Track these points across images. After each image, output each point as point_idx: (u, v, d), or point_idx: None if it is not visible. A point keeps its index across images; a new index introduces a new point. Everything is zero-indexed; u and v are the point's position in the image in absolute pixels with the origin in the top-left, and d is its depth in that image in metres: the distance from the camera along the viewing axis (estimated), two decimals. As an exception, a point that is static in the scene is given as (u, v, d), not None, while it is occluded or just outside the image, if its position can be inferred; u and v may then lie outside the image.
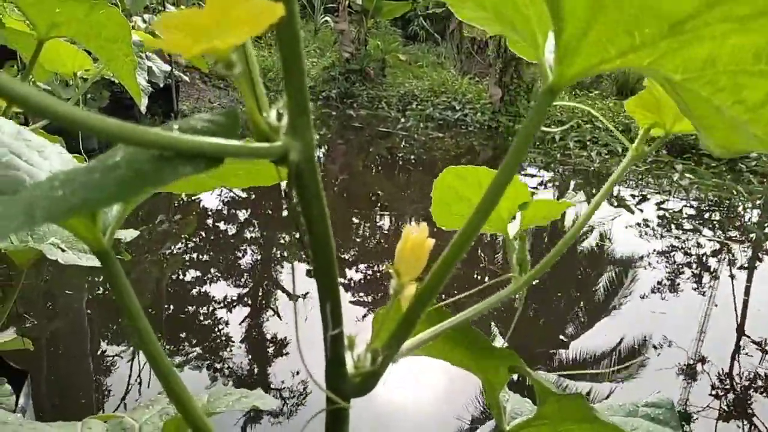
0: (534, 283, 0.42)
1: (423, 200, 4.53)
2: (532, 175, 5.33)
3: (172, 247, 3.35)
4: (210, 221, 3.87)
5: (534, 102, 0.27)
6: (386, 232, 4.01)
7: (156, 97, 5.07)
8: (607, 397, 2.24)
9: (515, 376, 0.46)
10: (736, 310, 2.97)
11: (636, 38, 0.25)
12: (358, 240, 3.80)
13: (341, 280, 2.87)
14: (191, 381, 2.05)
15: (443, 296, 0.36)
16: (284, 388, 2.09)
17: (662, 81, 0.28)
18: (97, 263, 0.83)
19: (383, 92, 8.01)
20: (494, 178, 0.29)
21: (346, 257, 3.44)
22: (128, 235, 0.79)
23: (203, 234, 3.67)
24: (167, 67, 4.04)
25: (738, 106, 0.25)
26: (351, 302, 2.78)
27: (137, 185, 0.19)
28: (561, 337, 2.69)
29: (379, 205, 4.48)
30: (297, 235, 0.27)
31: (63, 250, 0.83)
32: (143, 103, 0.86)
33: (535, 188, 2.96)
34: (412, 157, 5.85)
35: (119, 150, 0.21)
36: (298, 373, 2.15)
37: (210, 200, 4.19)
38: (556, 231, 3.60)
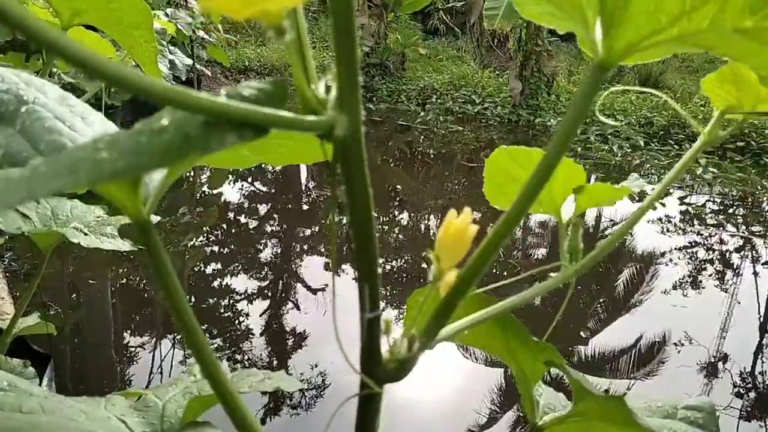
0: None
1: (442, 194, 4.53)
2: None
3: (194, 239, 3.39)
4: (231, 214, 3.90)
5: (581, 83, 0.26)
6: (405, 225, 4.01)
7: (178, 90, 5.10)
8: (625, 394, 2.22)
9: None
10: (759, 307, 2.92)
11: (686, 1, 0.23)
12: (376, 234, 3.81)
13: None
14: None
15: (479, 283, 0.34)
16: (303, 380, 2.11)
17: (734, 40, 0.24)
18: (117, 247, 0.83)
19: (403, 86, 7.99)
20: (541, 158, 0.28)
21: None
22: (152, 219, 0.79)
23: (224, 227, 3.70)
24: (189, 61, 4.07)
25: None
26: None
27: (183, 150, 0.19)
28: (581, 333, 2.67)
29: (397, 199, 4.48)
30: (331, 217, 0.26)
31: (85, 234, 0.84)
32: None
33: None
34: (432, 151, 5.83)
35: (166, 114, 0.20)
36: (316, 365, 2.17)
37: (231, 194, 4.23)
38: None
